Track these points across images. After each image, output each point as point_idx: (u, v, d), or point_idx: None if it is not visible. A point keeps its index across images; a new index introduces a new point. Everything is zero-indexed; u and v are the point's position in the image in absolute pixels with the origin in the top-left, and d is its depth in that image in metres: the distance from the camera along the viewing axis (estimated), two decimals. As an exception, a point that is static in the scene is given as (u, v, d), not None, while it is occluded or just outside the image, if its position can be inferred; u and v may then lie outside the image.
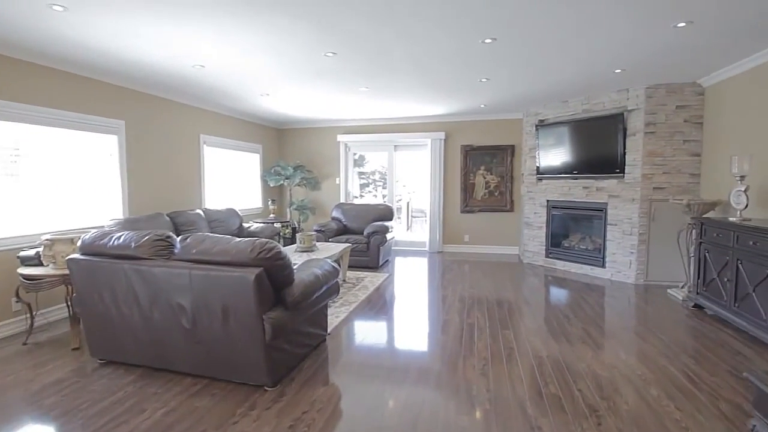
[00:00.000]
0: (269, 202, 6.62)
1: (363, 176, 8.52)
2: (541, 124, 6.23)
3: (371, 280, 5.37)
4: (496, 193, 7.24)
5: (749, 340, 3.29)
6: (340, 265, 5.32)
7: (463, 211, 7.36)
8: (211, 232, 5.27)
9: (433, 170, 7.32)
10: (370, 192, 9.16)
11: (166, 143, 5.16)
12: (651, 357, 2.97)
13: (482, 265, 6.40)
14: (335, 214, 6.81)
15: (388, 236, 6.21)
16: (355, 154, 8.06)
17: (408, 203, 9.56)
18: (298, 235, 4.67)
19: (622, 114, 5.20)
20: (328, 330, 3.47)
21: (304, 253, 4.61)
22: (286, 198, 7.73)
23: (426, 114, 6.96)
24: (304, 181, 7.55)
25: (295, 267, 2.86)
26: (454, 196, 7.40)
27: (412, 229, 9.38)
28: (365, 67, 4.15)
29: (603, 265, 5.54)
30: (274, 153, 7.87)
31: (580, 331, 3.52)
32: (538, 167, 6.30)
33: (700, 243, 4.06)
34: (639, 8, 2.81)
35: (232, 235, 5.83)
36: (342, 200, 7.77)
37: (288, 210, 7.54)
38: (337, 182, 7.82)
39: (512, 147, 7.07)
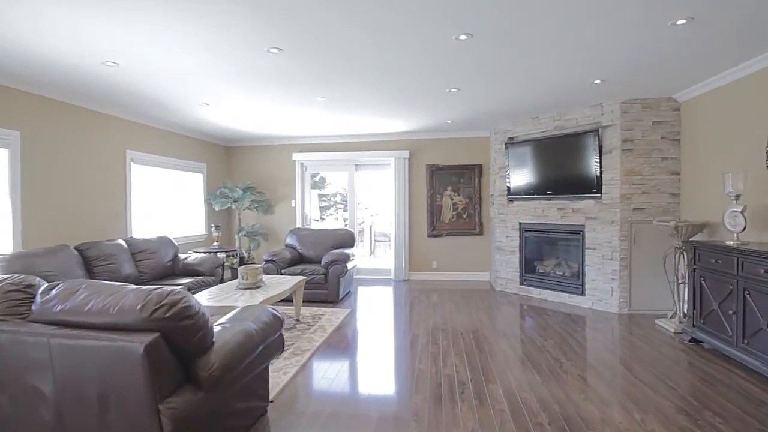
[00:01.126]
0: (212, 228, 5.78)
1: (324, 198, 7.86)
2: (511, 142, 5.86)
3: (330, 317, 4.64)
4: (465, 216, 6.78)
5: (765, 384, 2.86)
6: (293, 302, 4.57)
7: (430, 235, 6.82)
8: (137, 265, 4.40)
9: (397, 191, 6.77)
10: (331, 215, 8.51)
11: (78, 159, 4.28)
12: (665, 411, 2.45)
13: (453, 294, 5.83)
14: (289, 240, 6.06)
15: (350, 265, 5.52)
16: (315, 175, 7.39)
17: (371, 227, 8.96)
18: (240, 269, 3.90)
19: (597, 130, 4.89)
20: (271, 396, 2.71)
21: (248, 291, 3.84)
22: (235, 223, 6.89)
23: (389, 131, 6.45)
24: (255, 204, 6.76)
25: (221, 323, 2.12)
26: (420, 219, 6.86)
27: (375, 254, 8.75)
28: (319, 70, 3.56)
29: (582, 293, 5.11)
30: (221, 173, 7.05)
31: (577, 380, 2.97)
32: (508, 187, 5.90)
33: (694, 270, 3.68)
34: (629, 7, 2.40)
35: (166, 269, 4.99)
36: (298, 225, 7.03)
37: (237, 237, 6.70)
38: (293, 205, 7.08)
39: (480, 166, 6.67)
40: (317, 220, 7.62)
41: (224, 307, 3.33)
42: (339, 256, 5.30)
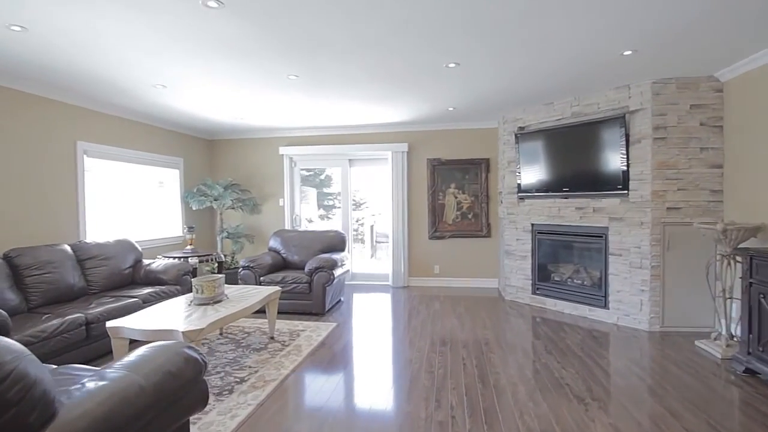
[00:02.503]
0: (185, 230, 5.18)
1: (330, 197, 7.15)
2: (522, 133, 5.15)
3: (311, 334, 4.00)
4: (470, 216, 6.08)
5: None
6: (266, 315, 3.94)
7: (432, 237, 6.14)
8: (84, 274, 3.81)
9: (395, 189, 6.10)
10: (334, 216, 7.82)
11: (10, 152, 3.69)
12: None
13: (456, 303, 5.14)
14: (273, 243, 5.43)
15: (338, 272, 4.87)
16: (310, 170, 6.76)
17: (372, 227, 8.30)
18: (194, 281, 3.27)
19: (623, 116, 4.17)
20: (202, 457, 2.07)
21: (202, 308, 3.21)
22: (217, 224, 6.29)
23: (385, 121, 5.78)
24: (239, 203, 6.15)
25: (113, 371, 1.49)
26: (420, 220, 6.19)
27: (377, 256, 8.09)
28: (278, 37, 2.90)
29: (605, 306, 4.39)
30: (201, 169, 6.45)
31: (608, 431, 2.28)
32: (519, 184, 5.19)
33: (750, 284, 2.96)
34: None
35: (123, 277, 4.34)
36: (287, 226, 6.41)
37: (219, 239, 6.10)
38: (281, 204, 6.46)
39: (487, 161, 5.97)
40: (311, 221, 6.98)
41: (160, 331, 2.70)
42: (324, 262, 4.66)
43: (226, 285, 4.05)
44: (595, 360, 3.30)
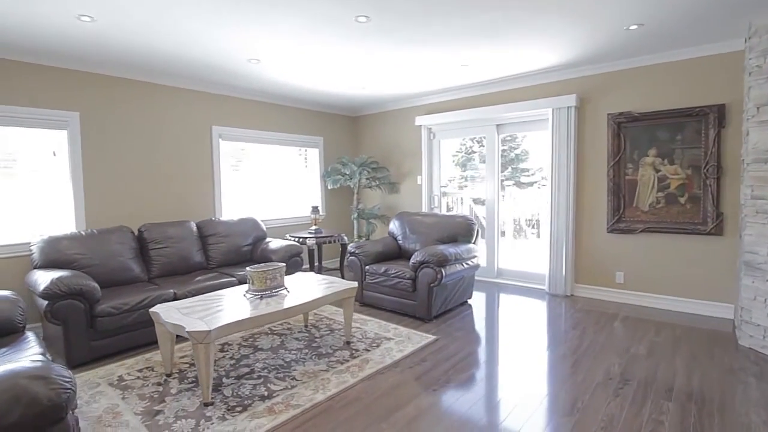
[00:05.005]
0: (311, 210, 5.07)
1: (525, 174, 5.73)
2: (794, 47, 2.75)
3: (394, 346, 3.18)
4: (682, 199, 3.86)
5: None
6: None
7: (613, 230, 4.23)
8: (205, 249, 4.05)
9: (557, 160, 4.43)
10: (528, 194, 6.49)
11: (152, 138, 4.16)
12: None
13: (650, 332, 3.33)
14: (391, 227, 4.76)
15: (452, 269, 3.81)
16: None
17: (515, 210, 6.52)
18: (247, 270, 2.92)
19: None
20: None
21: (251, 301, 2.83)
22: (353, 204, 6.03)
23: (540, 66, 4.19)
24: (375, 182, 5.71)
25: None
26: (595, 204, 4.34)
27: (520, 249, 6.35)
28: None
29: None
30: (343, 147, 6.28)
31: None
32: (781, 144, 2.84)
33: None
34: None
35: (240, 254, 4.36)
36: (424, 207, 5.61)
37: (353, 220, 5.84)
38: (419, 182, 5.68)
39: (720, 108, 3.61)
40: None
41: (177, 325, 2.41)
42: (432, 256, 3.68)
43: (307, 274, 3.64)
44: None
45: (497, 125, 5.00)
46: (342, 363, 2.93)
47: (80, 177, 3.67)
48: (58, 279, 2.82)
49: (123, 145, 3.94)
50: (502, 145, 5.14)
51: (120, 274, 3.51)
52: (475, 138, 5.38)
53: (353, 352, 3.12)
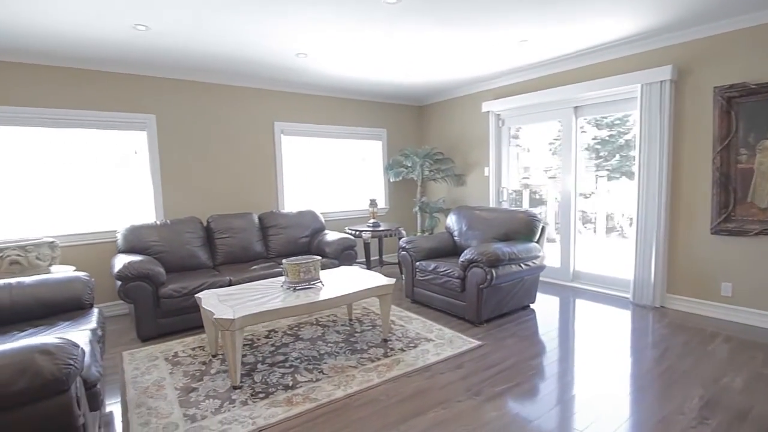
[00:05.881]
0: (369, 204, 5.04)
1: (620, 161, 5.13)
2: None
3: (431, 349, 3.01)
4: (822, 193, 2.98)
5: None
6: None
7: (718, 231, 3.45)
8: (266, 240, 4.31)
9: (646, 145, 3.75)
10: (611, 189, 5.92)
11: (220, 136, 4.49)
12: None
13: (761, 366, 2.66)
14: (448, 222, 4.51)
15: (506, 270, 3.46)
16: (519, 129, 5.25)
17: (597, 204, 5.60)
18: (284, 262, 2.99)
19: None
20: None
21: (297, 292, 2.89)
22: (417, 197, 5.85)
23: (624, 35, 3.57)
24: (440, 174, 5.48)
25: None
26: (694, 198, 3.59)
27: (601, 249, 5.45)
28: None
29: None
30: (408, 138, 6.12)
31: None
32: None
33: None
34: None
35: (298, 246, 4.55)
36: (491, 201, 5.22)
37: (416, 213, 5.68)
38: (486, 174, 5.30)
39: None
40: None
41: (207, 311, 2.56)
42: (481, 255, 3.39)
43: (353, 268, 3.61)
44: None
45: (575, 107, 4.40)
46: (372, 361, 2.85)
47: (158, 173, 4.12)
48: (129, 263, 3.21)
49: (194, 143, 4.34)
50: (600, 130, 4.50)
51: (188, 261, 3.88)
52: (550, 123, 4.82)
53: (387, 350, 3.02)
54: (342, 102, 5.39)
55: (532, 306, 3.96)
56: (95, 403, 1.82)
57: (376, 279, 3.23)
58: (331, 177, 5.45)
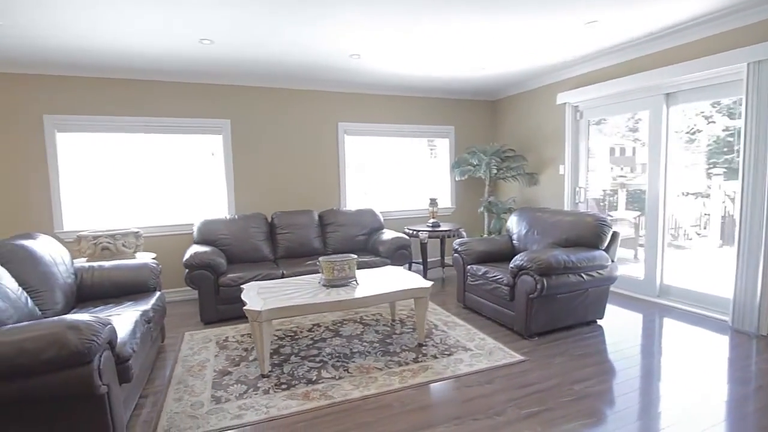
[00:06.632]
0: (429, 203, 4.89)
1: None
2: None
3: (464, 359, 2.84)
4: None
5: None
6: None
7: None
8: (324, 237, 4.52)
9: (752, 134, 3.04)
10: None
11: (287, 137, 4.76)
12: None
13: None
14: (509, 224, 4.17)
15: (561, 280, 3.09)
16: (598, 120, 4.65)
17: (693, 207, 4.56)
18: (319, 259, 3.06)
19: None
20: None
21: (330, 290, 2.97)
22: (484, 197, 5.53)
23: (727, 3, 2.94)
24: (510, 172, 5.11)
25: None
26: (827, 202, 2.79)
27: (694, 261, 4.43)
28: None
29: None
30: (479, 135, 5.81)
31: None
32: None
33: None
34: None
35: (355, 243, 4.74)
36: (566, 203, 4.72)
37: (483, 212, 5.38)
38: (561, 172, 4.80)
39: None
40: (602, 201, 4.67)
41: (245, 302, 2.74)
42: (532, 261, 3.07)
43: (396, 268, 3.56)
44: None
45: (666, 94, 3.75)
46: (400, 365, 2.78)
47: (231, 172, 4.54)
48: (195, 253, 3.59)
49: (262, 145, 4.68)
50: (711, 122, 3.82)
51: (251, 253, 4.20)
52: (633, 115, 4.17)
53: (419, 356, 2.91)
54: (406, 100, 5.34)
55: (599, 322, 3.48)
56: (126, 376, 2.06)
57: (413, 281, 3.14)
58: (395, 176, 5.44)
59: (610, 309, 3.79)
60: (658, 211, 3.90)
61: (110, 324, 1.95)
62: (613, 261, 3.40)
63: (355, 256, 3.12)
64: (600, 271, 3.27)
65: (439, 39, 3.50)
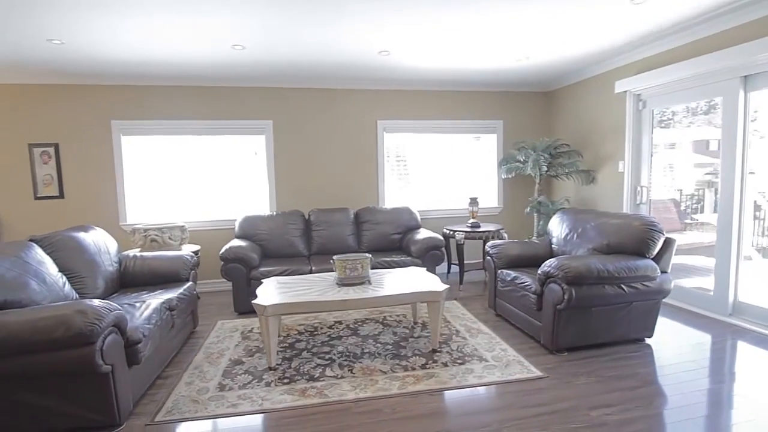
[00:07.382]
0: (469, 202, 4.63)
1: None
2: None
3: (475, 370, 2.67)
4: None
5: None
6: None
7: None
8: (359, 235, 4.58)
9: None
10: None
11: (324, 136, 4.85)
12: None
13: None
14: (550, 226, 3.81)
15: (595, 291, 2.75)
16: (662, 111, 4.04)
17: None
18: (333, 257, 3.06)
19: None
20: None
21: (341, 288, 2.98)
22: (534, 196, 5.11)
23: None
24: (563, 169, 4.68)
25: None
26: None
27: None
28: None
29: None
30: (532, 130, 5.39)
31: None
32: None
33: None
34: None
35: (389, 242, 4.82)
36: (625, 204, 4.19)
37: (529, 213, 4.98)
38: (621, 169, 4.27)
39: None
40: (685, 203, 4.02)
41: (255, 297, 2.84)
42: (560, 269, 2.77)
43: (419, 269, 3.45)
44: None
45: (743, 77, 3.14)
46: (405, 370, 2.69)
47: (273, 170, 4.75)
48: (229, 248, 3.82)
49: (302, 144, 4.82)
50: None
51: (287, 249, 4.36)
52: (703, 103, 3.55)
53: (428, 362, 2.79)
54: (447, 94, 5.14)
55: (647, 341, 3.04)
56: (135, 358, 2.25)
57: (429, 283, 3.02)
58: (437, 174, 5.28)
59: (668, 326, 3.29)
60: (732, 214, 3.29)
61: (118, 310, 2.14)
62: (665, 272, 2.95)
63: (369, 256, 3.08)
64: (646, 283, 2.85)
65: (469, 29, 3.30)
